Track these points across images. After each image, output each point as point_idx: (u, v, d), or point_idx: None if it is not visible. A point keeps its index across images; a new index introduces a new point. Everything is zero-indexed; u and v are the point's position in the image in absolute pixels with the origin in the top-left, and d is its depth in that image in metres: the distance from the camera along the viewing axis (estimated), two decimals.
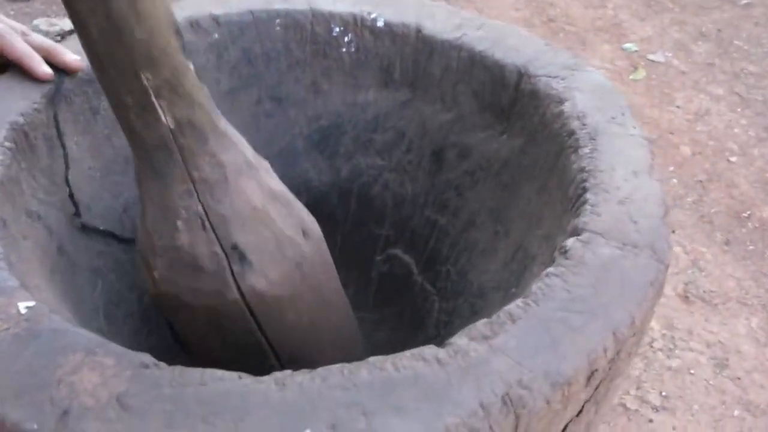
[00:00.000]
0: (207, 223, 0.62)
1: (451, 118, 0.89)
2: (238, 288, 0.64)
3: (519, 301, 0.53)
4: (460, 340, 0.50)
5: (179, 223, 0.61)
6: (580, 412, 0.52)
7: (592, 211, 0.60)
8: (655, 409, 1.30)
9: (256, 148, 0.98)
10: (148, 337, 0.85)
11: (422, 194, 0.93)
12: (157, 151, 0.60)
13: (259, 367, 0.71)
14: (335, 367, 0.48)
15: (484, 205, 0.85)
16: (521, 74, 0.80)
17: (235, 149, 0.64)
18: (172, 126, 0.58)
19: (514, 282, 0.75)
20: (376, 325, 1.00)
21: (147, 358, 0.49)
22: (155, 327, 0.87)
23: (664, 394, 1.33)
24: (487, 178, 0.85)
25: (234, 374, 0.48)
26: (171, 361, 0.51)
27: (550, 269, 0.55)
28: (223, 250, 0.63)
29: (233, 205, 0.63)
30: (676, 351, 1.40)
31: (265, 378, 0.48)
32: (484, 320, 0.51)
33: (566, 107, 0.74)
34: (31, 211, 0.71)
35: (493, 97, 0.84)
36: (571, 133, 0.71)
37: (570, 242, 0.57)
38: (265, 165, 0.69)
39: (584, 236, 0.58)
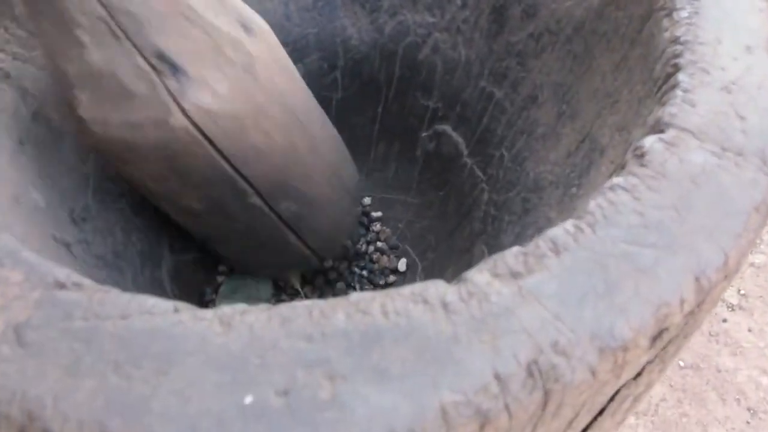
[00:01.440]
0: (116, 27, 0.49)
1: None
2: (182, 109, 0.52)
3: (569, 223, 0.38)
4: (480, 275, 0.36)
5: (80, 33, 0.49)
6: (639, 374, 0.39)
7: (683, 99, 0.44)
8: (731, 307, 1.16)
9: None
10: (142, 218, 0.74)
11: (478, 61, 0.77)
12: None
13: (240, 207, 0.61)
14: (302, 306, 0.35)
15: (549, 79, 0.69)
16: None
17: None
18: None
19: (575, 178, 0.60)
20: (419, 210, 0.87)
21: (64, 274, 0.38)
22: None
23: (742, 292, 1.18)
24: (556, 45, 0.68)
25: (168, 305, 0.36)
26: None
27: (618, 179, 0.40)
28: (148, 62, 0.50)
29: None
30: (762, 246, 1.24)
31: (208, 314, 0.35)
32: (517, 249, 0.37)
33: None
34: None
35: None
36: None
37: (649, 142, 0.42)
38: None
39: (669, 134, 0.42)
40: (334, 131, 0.74)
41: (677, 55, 0.48)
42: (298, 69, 0.83)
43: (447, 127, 0.82)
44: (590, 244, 0.37)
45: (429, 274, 0.82)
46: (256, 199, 0.61)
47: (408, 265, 0.85)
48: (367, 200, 0.90)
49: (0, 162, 0.55)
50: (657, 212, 0.38)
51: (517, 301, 0.35)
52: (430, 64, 0.81)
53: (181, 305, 0.36)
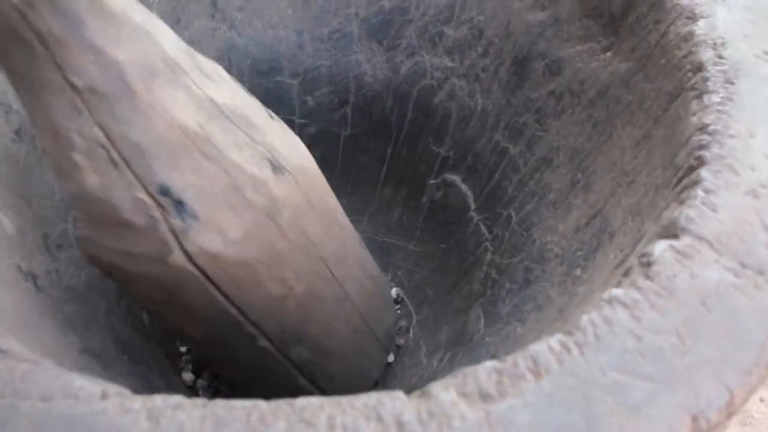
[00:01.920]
0: (115, 155, 0.43)
1: (544, 20, 0.68)
2: (183, 250, 0.46)
3: (555, 340, 0.34)
4: (445, 393, 0.32)
5: (77, 157, 0.43)
6: None
7: (704, 201, 0.40)
8: None
9: (303, 28, 0.80)
10: None
11: (494, 112, 0.73)
12: (11, 44, 0.41)
13: (246, 348, 0.56)
14: (241, 407, 0.31)
15: (566, 143, 0.64)
16: None
17: (145, 41, 0.44)
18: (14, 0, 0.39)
19: (581, 258, 0.55)
20: (419, 260, 0.82)
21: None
22: None
23: None
24: (576, 108, 0.64)
25: (96, 389, 0.32)
26: None
27: (618, 292, 0.36)
28: (150, 195, 0.45)
29: (150, 129, 0.44)
30: None
31: (137, 403, 0.31)
32: (492, 363, 0.33)
33: (700, 27, 0.52)
34: None
35: (602, 0, 0.62)
36: (699, 67, 0.49)
37: (659, 249, 0.37)
38: (211, 69, 0.49)
39: (684, 242, 0.38)
40: (374, 274, 0.68)
41: (703, 146, 0.43)
42: (308, 102, 0.79)
43: (456, 178, 0.78)
44: (576, 368, 0.32)
45: (424, 328, 0.77)
46: (264, 342, 0.56)
47: (403, 316, 0.80)
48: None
49: None
50: (657, 338, 0.33)
51: (482, 431, 0.30)
52: (444, 110, 0.77)
53: (111, 390, 0.32)
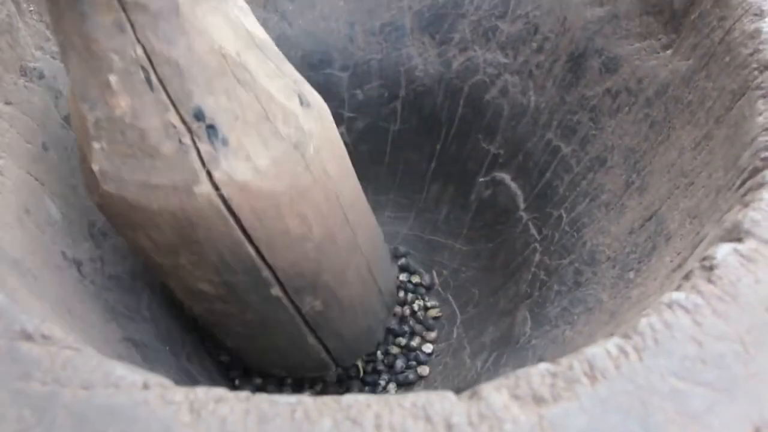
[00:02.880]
0: (153, 76, 0.42)
1: (602, 16, 0.66)
2: (210, 177, 0.45)
3: (613, 343, 0.32)
4: (497, 395, 0.31)
5: (112, 78, 0.42)
6: None
7: None
8: None
9: (355, 20, 0.79)
10: None
11: (547, 110, 0.71)
12: None
13: (258, 297, 0.55)
14: (285, 403, 0.30)
15: (621, 142, 0.62)
16: None
17: None
18: None
19: (635, 261, 0.54)
20: (465, 260, 0.81)
21: (33, 323, 0.33)
22: None
23: None
24: (633, 106, 0.62)
25: (138, 379, 0.31)
26: None
27: (679, 295, 0.34)
28: (182, 120, 0.44)
29: (192, 49, 0.43)
30: None
31: (179, 395, 0.31)
32: (546, 366, 0.32)
33: (767, 24, 0.50)
34: (29, 68, 0.56)
35: None
36: (766, 65, 0.47)
37: (722, 252, 0.36)
38: (241, 2, 0.49)
39: (748, 245, 0.36)
40: (378, 229, 0.68)
41: None
42: (357, 95, 0.78)
43: (506, 176, 0.76)
44: (634, 374, 0.31)
45: (468, 329, 0.76)
46: (277, 291, 0.54)
47: (447, 316, 0.79)
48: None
49: (16, 168, 0.51)
50: (719, 344, 0.32)
51: None
52: (496, 107, 0.76)
53: (153, 380, 0.32)
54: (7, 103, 0.53)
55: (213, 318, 0.60)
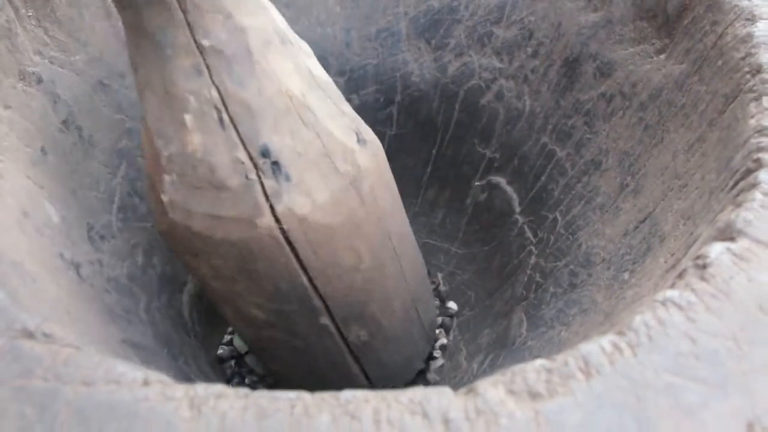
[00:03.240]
0: (225, 115, 0.45)
1: (597, 21, 0.66)
2: (272, 211, 0.48)
3: (607, 340, 0.33)
4: (493, 390, 0.31)
5: (187, 117, 0.45)
6: None
7: (762, 204, 0.38)
8: None
9: (351, 26, 0.80)
10: None
11: (542, 114, 0.72)
12: (148, 7, 0.43)
13: (307, 325, 0.56)
14: (285, 399, 0.31)
15: (615, 146, 0.63)
16: None
17: (262, 13, 0.47)
18: None
19: (629, 263, 0.54)
20: (461, 263, 0.81)
21: (34, 322, 0.34)
22: None
23: None
24: (627, 110, 0.62)
25: (138, 375, 0.32)
26: None
27: (673, 293, 0.35)
28: (250, 157, 0.47)
29: (261, 91, 0.46)
30: None
31: (179, 392, 0.31)
32: (541, 362, 0.32)
33: (759, 29, 0.51)
34: (28, 73, 0.56)
35: (657, 1, 0.60)
36: (758, 69, 0.48)
37: (715, 251, 0.36)
38: (305, 46, 0.52)
39: (741, 244, 0.36)
40: (422, 262, 0.69)
41: (762, 149, 0.42)
42: (353, 100, 0.79)
43: (501, 180, 0.77)
44: (628, 369, 0.31)
45: (464, 331, 0.77)
46: (326, 320, 0.56)
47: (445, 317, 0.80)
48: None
49: (15, 172, 0.52)
50: (712, 341, 0.32)
51: (531, 430, 0.29)
52: (491, 111, 0.76)
53: (153, 377, 0.32)
54: (6, 107, 0.53)
55: (261, 343, 0.62)
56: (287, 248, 0.50)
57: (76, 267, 0.55)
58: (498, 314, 0.73)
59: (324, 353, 0.61)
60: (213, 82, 0.45)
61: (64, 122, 0.59)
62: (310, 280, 0.53)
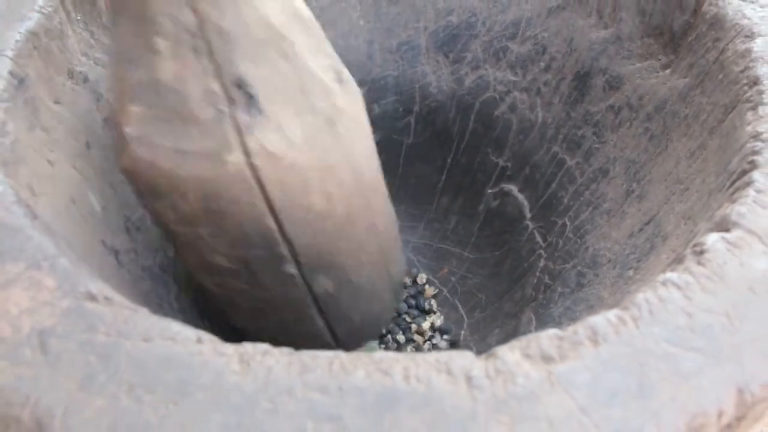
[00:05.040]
0: (201, 42, 0.43)
1: (606, 38, 0.71)
2: (243, 147, 0.46)
3: (612, 313, 0.37)
4: (510, 354, 0.35)
5: (160, 41, 0.43)
6: None
7: (755, 200, 0.42)
8: None
9: (373, 39, 0.84)
10: None
11: (554, 125, 0.76)
12: None
13: (272, 274, 0.55)
14: (324, 356, 0.35)
15: (622, 155, 0.67)
16: None
17: None
18: None
19: (634, 261, 0.58)
20: (473, 267, 0.85)
21: (97, 287, 0.38)
22: None
23: None
24: (634, 122, 0.66)
25: (192, 334, 0.36)
26: None
27: (672, 275, 0.38)
28: (223, 87, 0.44)
29: (240, 18, 0.43)
30: None
31: (229, 349, 0.35)
32: (554, 331, 0.36)
33: (757, 45, 0.54)
34: (76, 72, 0.61)
35: (664, 19, 0.64)
36: (755, 81, 0.52)
37: (711, 240, 0.40)
38: None
39: (734, 234, 0.40)
40: (394, 216, 0.68)
41: (756, 152, 0.46)
42: (374, 109, 0.83)
43: (513, 187, 0.81)
44: (631, 339, 0.35)
45: (474, 332, 0.80)
46: (291, 268, 0.54)
47: (454, 321, 0.83)
48: (422, 277, 0.88)
49: (64, 162, 0.56)
50: (707, 316, 0.36)
51: (544, 387, 0.33)
52: (505, 122, 0.81)
53: (205, 336, 0.36)
54: (57, 102, 0.57)
55: (223, 293, 0.60)
56: (256, 187, 0.48)
57: (116, 254, 0.59)
58: (508, 315, 0.76)
59: (288, 306, 0.59)
60: (190, 5, 0.42)
61: (106, 120, 0.63)
62: (278, 224, 0.51)
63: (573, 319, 0.61)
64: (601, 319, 0.36)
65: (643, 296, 0.37)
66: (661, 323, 0.36)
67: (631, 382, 0.33)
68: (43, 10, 0.57)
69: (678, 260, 0.40)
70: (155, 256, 0.66)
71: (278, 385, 0.33)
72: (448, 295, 0.85)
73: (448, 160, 0.86)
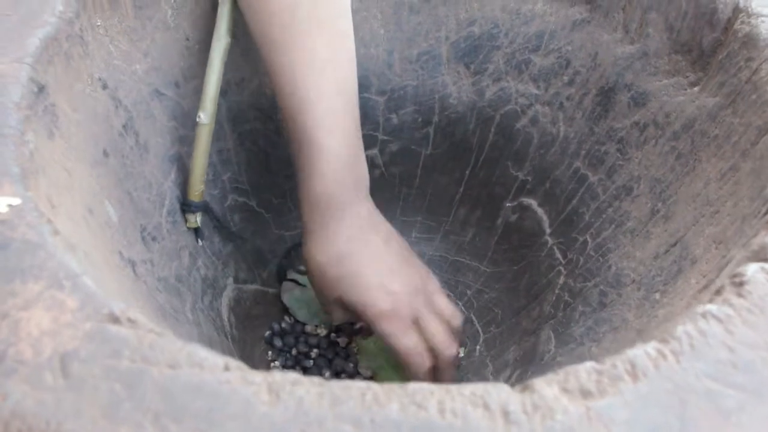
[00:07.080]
0: None
1: (632, 53, 0.69)
2: None
3: (652, 346, 0.35)
4: (548, 388, 0.34)
5: None
6: None
7: None
8: None
9: (393, 48, 0.83)
10: (211, 243, 0.74)
11: (576, 140, 0.75)
12: None
13: None
14: (356, 387, 0.33)
15: (647, 173, 0.66)
16: (738, 9, 0.59)
17: None
18: None
19: (660, 284, 0.57)
20: (489, 281, 0.84)
21: (120, 308, 0.37)
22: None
23: None
24: (660, 139, 0.65)
25: (219, 361, 0.35)
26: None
27: (712, 307, 0.37)
28: None
29: None
30: None
31: (258, 377, 0.34)
32: (591, 365, 0.35)
33: None
34: (95, 78, 0.60)
35: (693, 36, 0.63)
36: None
37: (751, 270, 0.39)
38: None
39: None
40: None
41: None
42: (392, 120, 0.82)
43: (533, 202, 0.80)
44: (672, 374, 0.34)
45: (490, 348, 0.79)
46: None
47: (470, 335, 0.82)
48: None
49: (81, 170, 0.55)
50: (749, 351, 0.35)
51: (583, 424, 0.32)
52: (526, 135, 0.79)
53: (233, 363, 0.35)
54: (75, 109, 0.56)
55: None
56: None
57: (132, 265, 0.58)
58: (525, 331, 0.75)
59: None
60: None
61: (124, 126, 0.63)
62: None
63: (596, 341, 0.60)
64: (640, 352, 0.35)
65: (682, 329, 0.36)
66: (702, 358, 0.35)
67: (672, 420, 0.32)
68: (64, 16, 0.56)
69: (717, 291, 0.39)
70: (171, 266, 0.65)
71: (309, 417, 0.32)
72: (463, 308, 0.84)
73: (467, 172, 0.85)
